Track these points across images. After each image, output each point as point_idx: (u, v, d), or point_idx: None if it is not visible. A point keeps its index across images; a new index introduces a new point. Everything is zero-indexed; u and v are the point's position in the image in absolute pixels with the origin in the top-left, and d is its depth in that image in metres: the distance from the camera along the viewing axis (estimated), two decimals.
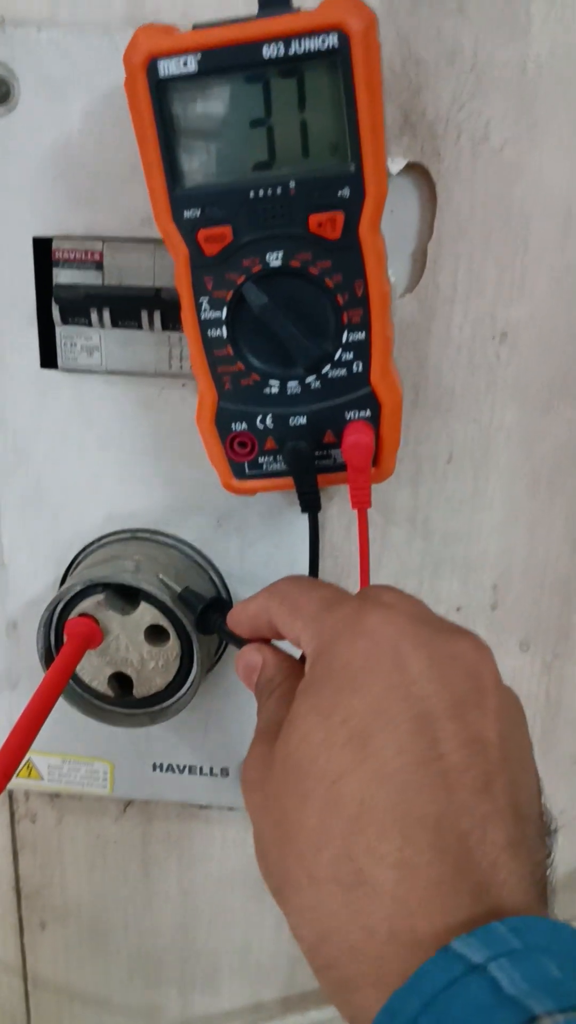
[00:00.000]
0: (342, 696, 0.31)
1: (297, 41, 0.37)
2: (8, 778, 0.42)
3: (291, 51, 0.37)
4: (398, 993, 0.26)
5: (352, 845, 0.29)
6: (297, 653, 0.38)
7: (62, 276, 0.46)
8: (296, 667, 0.38)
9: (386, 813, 0.29)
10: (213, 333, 0.42)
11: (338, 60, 0.37)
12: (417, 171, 0.45)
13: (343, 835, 0.29)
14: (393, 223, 0.46)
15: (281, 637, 0.38)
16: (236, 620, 0.41)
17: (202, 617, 0.46)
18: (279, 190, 0.39)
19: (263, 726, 0.36)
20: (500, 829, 0.29)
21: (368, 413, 0.43)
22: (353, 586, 0.43)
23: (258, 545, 0.51)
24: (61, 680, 0.46)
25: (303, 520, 0.46)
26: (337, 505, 0.51)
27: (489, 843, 0.28)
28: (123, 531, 0.51)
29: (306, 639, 0.35)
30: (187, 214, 0.40)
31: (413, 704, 0.30)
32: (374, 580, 0.51)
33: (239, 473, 0.45)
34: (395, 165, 0.44)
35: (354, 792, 0.29)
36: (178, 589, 0.47)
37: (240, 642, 0.41)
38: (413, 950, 0.27)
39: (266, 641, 0.40)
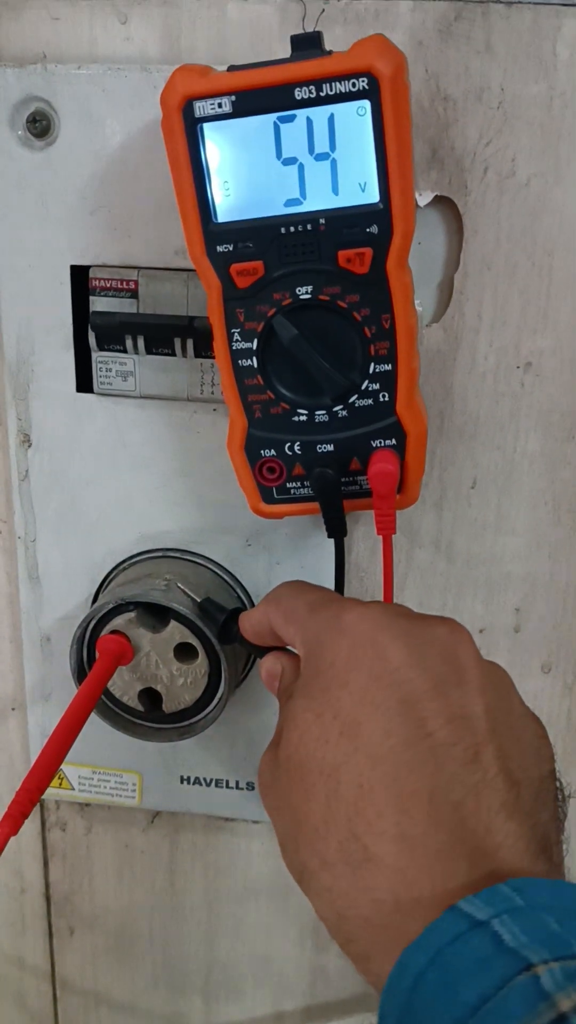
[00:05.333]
0: (331, 692, 0.33)
1: (328, 84, 0.38)
2: (42, 790, 0.44)
3: (322, 93, 0.38)
4: (408, 950, 0.28)
5: (355, 826, 0.31)
6: None
7: (99, 304, 0.48)
8: None
9: (383, 793, 0.31)
10: (244, 363, 0.43)
11: (368, 102, 0.38)
12: (445, 204, 0.46)
13: (347, 819, 0.31)
14: (421, 254, 0.47)
15: (284, 642, 0.40)
16: (244, 628, 0.44)
17: (224, 628, 0.46)
18: (309, 226, 0.40)
19: (277, 730, 0.37)
20: (492, 795, 0.31)
21: (393, 442, 0.44)
22: None
23: (285, 565, 0.52)
24: (93, 695, 0.47)
25: (330, 541, 0.47)
26: (363, 527, 0.52)
27: (483, 809, 0.30)
28: (155, 550, 0.53)
29: (299, 642, 0.37)
30: (220, 248, 0.41)
31: (396, 690, 0.32)
32: (399, 601, 0.52)
33: (267, 498, 0.46)
34: (423, 198, 0.45)
35: (352, 778, 0.31)
36: (198, 599, 0.48)
37: (261, 651, 0.43)
38: (418, 915, 0.29)
39: (283, 648, 0.42)
